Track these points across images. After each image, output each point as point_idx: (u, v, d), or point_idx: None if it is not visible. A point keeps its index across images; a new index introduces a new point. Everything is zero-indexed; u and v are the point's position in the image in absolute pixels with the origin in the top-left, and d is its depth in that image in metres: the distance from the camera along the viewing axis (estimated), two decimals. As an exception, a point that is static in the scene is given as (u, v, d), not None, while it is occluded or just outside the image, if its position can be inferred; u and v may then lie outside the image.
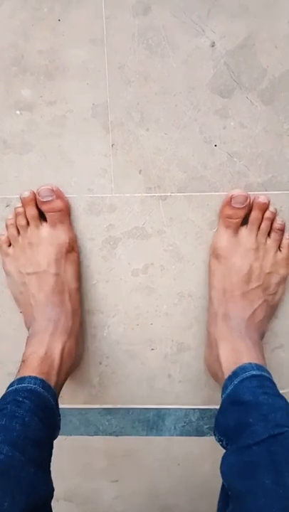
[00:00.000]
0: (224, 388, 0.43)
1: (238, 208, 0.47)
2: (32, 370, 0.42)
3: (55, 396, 0.42)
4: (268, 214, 0.48)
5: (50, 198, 0.47)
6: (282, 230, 0.49)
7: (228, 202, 0.47)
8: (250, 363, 0.43)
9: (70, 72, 0.45)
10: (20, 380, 0.41)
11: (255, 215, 0.47)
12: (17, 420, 0.37)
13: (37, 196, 0.47)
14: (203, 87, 0.45)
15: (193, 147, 0.47)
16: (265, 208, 0.47)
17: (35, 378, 0.41)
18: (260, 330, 0.49)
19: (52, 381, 0.43)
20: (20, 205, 0.48)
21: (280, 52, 0.44)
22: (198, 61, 0.44)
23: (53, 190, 0.47)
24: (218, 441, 0.42)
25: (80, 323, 0.52)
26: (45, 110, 0.47)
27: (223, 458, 0.39)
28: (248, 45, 0.44)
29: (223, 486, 0.39)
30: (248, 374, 0.41)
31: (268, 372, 0.43)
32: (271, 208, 0.48)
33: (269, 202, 0.47)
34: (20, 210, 0.48)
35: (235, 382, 0.42)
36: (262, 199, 0.47)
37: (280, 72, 0.44)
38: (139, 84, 0.45)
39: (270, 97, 0.45)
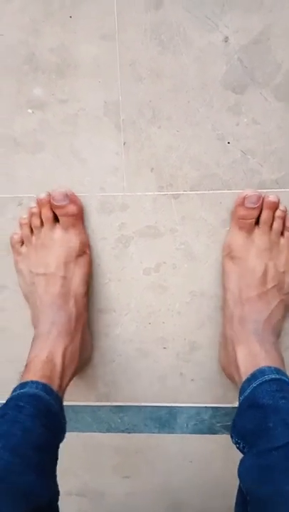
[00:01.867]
0: (242, 390, 0.43)
1: (252, 208, 0.46)
2: (34, 375, 0.42)
3: (59, 399, 0.42)
4: (278, 213, 0.47)
5: (64, 203, 0.47)
6: None
7: (241, 202, 0.46)
8: (270, 367, 0.42)
9: (82, 70, 0.45)
10: (22, 385, 0.41)
11: (266, 214, 0.47)
12: (18, 426, 0.37)
13: (51, 200, 0.47)
14: (216, 83, 0.44)
15: (205, 144, 0.46)
16: (275, 206, 0.47)
17: (37, 383, 0.41)
18: (277, 331, 0.49)
19: (55, 385, 0.42)
20: (35, 205, 0.48)
21: (295, 46, 0.43)
22: (211, 57, 0.44)
23: (67, 195, 0.47)
24: (235, 444, 0.41)
25: (85, 326, 0.51)
26: (57, 109, 0.46)
27: (241, 462, 0.38)
28: (262, 40, 0.43)
29: (239, 489, 0.39)
30: (267, 377, 0.41)
31: (287, 377, 0.42)
32: (281, 207, 0.47)
33: (279, 200, 0.47)
34: (36, 210, 0.48)
35: (254, 385, 0.41)
36: (272, 198, 0.46)
37: (295, 67, 0.43)
38: (151, 81, 0.45)
39: (284, 93, 0.44)
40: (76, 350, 0.48)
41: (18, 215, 0.50)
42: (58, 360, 0.44)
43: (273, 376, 0.41)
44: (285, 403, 0.38)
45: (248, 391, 0.42)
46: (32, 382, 0.41)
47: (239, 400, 0.43)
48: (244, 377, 0.43)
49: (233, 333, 0.48)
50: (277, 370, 0.42)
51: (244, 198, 0.46)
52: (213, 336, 0.54)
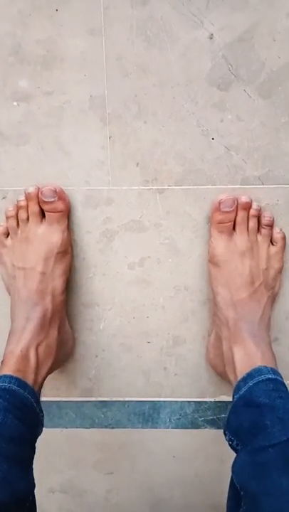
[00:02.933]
0: (237, 389, 0.43)
1: (228, 212, 0.47)
2: (8, 369, 0.42)
3: (34, 393, 0.42)
4: (252, 212, 0.48)
5: (52, 199, 0.47)
6: (270, 225, 0.49)
7: (217, 208, 0.47)
8: (266, 367, 0.43)
9: (68, 63, 0.45)
10: None
11: (241, 215, 0.48)
12: None
13: (39, 195, 0.47)
14: (201, 79, 0.45)
15: (190, 140, 0.47)
16: (248, 206, 0.48)
17: (11, 377, 0.41)
18: (269, 327, 0.50)
19: (29, 379, 0.42)
20: (23, 198, 0.48)
21: (278, 45, 0.44)
22: (197, 53, 0.44)
23: (56, 192, 0.47)
24: (228, 441, 0.42)
25: (63, 322, 0.51)
26: (43, 101, 0.46)
27: (236, 459, 0.39)
28: (246, 38, 0.44)
29: (232, 485, 0.40)
30: (263, 377, 0.41)
31: (282, 377, 0.43)
32: (254, 206, 0.48)
33: (251, 200, 0.48)
34: (23, 203, 0.48)
35: (250, 384, 0.41)
36: (244, 199, 0.47)
37: (278, 65, 0.44)
38: (137, 76, 0.45)
39: (267, 91, 0.45)
40: (52, 346, 0.47)
41: (2, 208, 0.50)
42: (32, 355, 0.44)
43: (270, 376, 0.42)
44: (281, 402, 0.39)
45: (244, 389, 0.42)
46: (5, 376, 0.41)
47: (233, 397, 0.44)
48: (240, 376, 0.44)
49: (230, 335, 0.48)
50: (274, 371, 0.43)
51: (219, 203, 0.47)
52: (196, 330, 0.54)
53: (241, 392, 0.42)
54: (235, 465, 0.39)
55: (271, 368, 0.43)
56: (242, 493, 0.37)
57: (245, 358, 0.45)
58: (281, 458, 0.35)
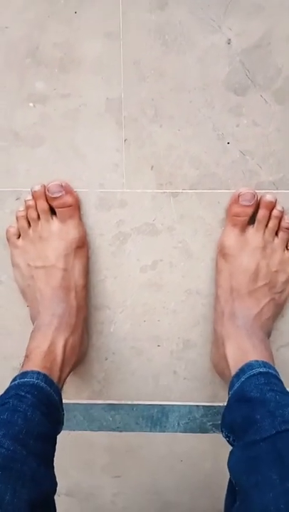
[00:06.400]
0: (231, 385, 0.44)
1: (246, 206, 0.47)
2: (35, 365, 0.42)
3: (58, 391, 0.42)
4: (275, 213, 0.48)
5: (59, 194, 0.47)
6: None
7: (236, 200, 0.47)
8: (257, 361, 0.43)
9: (85, 66, 0.45)
10: (23, 374, 0.41)
11: (262, 213, 0.48)
12: (19, 415, 0.37)
13: (46, 192, 0.47)
14: (218, 84, 0.45)
15: (206, 144, 0.47)
16: (272, 206, 0.48)
17: (38, 373, 0.41)
18: (267, 328, 0.50)
19: (55, 376, 0.43)
20: (30, 197, 0.48)
21: (295, 51, 0.44)
22: (214, 58, 0.44)
23: (62, 186, 0.47)
24: (225, 438, 0.42)
25: (85, 319, 0.52)
26: (59, 103, 0.46)
27: (231, 454, 0.39)
28: (263, 44, 0.44)
29: (230, 481, 0.40)
30: (255, 371, 0.42)
31: (275, 370, 0.43)
32: (278, 207, 0.48)
33: (276, 200, 0.48)
34: (31, 203, 0.48)
35: (242, 380, 0.42)
36: (268, 197, 0.47)
37: (295, 71, 0.44)
38: (154, 80, 0.45)
39: (284, 97, 0.45)
40: (76, 343, 0.48)
41: (16, 209, 0.50)
42: (59, 352, 0.44)
43: (261, 370, 0.42)
44: (272, 395, 0.39)
45: (237, 385, 0.42)
46: (33, 372, 0.41)
47: (229, 394, 0.44)
48: (233, 372, 0.44)
49: (223, 328, 0.48)
50: (265, 364, 0.43)
51: (239, 196, 0.47)
52: (207, 334, 0.54)
53: (234, 388, 0.43)
54: (230, 460, 0.39)
55: (262, 362, 0.43)
56: (237, 488, 0.37)
57: (238, 352, 0.45)
58: (272, 451, 0.35)
